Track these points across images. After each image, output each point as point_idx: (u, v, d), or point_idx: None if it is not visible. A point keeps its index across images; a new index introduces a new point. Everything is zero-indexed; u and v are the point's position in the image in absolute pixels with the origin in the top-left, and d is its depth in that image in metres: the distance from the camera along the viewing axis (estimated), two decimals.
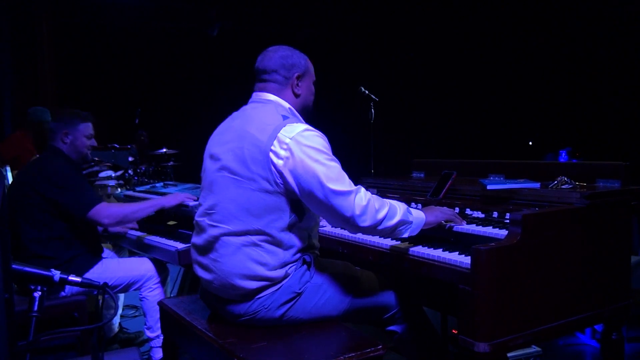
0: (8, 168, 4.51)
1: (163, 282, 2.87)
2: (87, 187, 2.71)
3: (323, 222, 2.39)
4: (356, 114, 4.76)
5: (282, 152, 1.71)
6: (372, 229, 1.77)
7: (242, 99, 2.02)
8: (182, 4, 8.06)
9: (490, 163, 2.60)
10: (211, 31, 7.99)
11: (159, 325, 2.37)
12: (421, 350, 2.04)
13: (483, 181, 2.23)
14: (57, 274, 1.46)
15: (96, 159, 4.79)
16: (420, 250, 1.92)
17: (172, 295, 3.30)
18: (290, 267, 1.81)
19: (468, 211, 2.18)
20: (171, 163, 5.37)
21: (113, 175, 4.80)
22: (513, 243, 1.69)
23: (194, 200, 2.81)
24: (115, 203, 3.42)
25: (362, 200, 1.72)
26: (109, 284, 2.21)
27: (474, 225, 1.99)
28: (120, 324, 3.35)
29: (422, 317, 2.06)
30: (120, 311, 3.39)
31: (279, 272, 1.78)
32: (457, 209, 2.18)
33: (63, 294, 2.54)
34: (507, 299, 1.69)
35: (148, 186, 3.88)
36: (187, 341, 1.95)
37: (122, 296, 3.35)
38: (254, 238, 1.76)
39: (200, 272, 1.90)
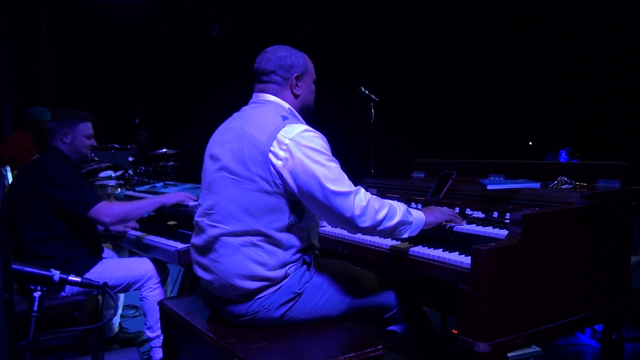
0: (8, 168, 4.51)
1: (163, 282, 2.87)
2: (87, 186, 2.71)
3: (323, 222, 2.38)
4: (356, 114, 4.76)
5: (282, 153, 1.71)
6: (372, 230, 1.77)
7: (242, 99, 2.02)
8: (182, 4, 8.06)
9: (490, 163, 2.60)
10: (211, 31, 7.99)
11: (159, 325, 2.37)
12: (421, 350, 2.04)
13: (483, 181, 2.23)
14: (56, 274, 1.46)
15: (96, 158, 4.79)
16: (420, 250, 1.92)
17: (172, 295, 3.30)
18: (290, 267, 1.81)
19: (468, 211, 2.18)
20: (171, 163, 5.37)
21: (113, 175, 4.80)
22: (513, 243, 1.69)
23: (194, 201, 2.82)
24: (116, 202, 3.42)
25: (362, 201, 1.72)
26: (109, 284, 2.21)
27: (474, 225, 1.99)
28: (120, 324, 3.36)
29: (422, 317, 2.06)
30: (120, 311, 3.39)
31: (279, 272, 1.78)
32: (457, 209, 2.18)
33: (63, 294, 2.54)
34: (507, 299, 1.69)
35: (148, 186, 3.88)
36: (187, 341, 1.95)
37: (122, 296, 3.35)
38: (253, 238, 1.76)
39: (200, 273, 1.90)
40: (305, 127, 1.79)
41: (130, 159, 5.39)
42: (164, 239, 2.84)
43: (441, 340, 2.26)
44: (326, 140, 1.80)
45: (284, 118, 1.79)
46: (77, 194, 2.58)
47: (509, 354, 1.87)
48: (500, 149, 8.23)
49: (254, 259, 1.76)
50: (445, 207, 2.06)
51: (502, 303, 1.68)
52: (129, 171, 4.91)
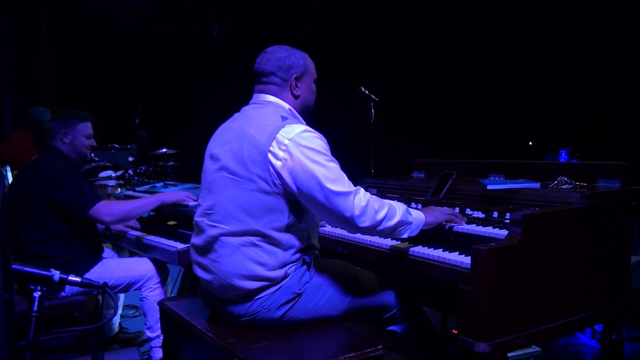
0: (8, 168, 4.51)
1: (163, 282, 2.87)
2: (87, 186, 2.71)
3: (323, 222, 2.39)
4: (356, 114, 4.76)
5: (281, 153, 1.71)
6: (372, 230, 1.77)
7: (242, 99, 2.02)
8: (182, 4, 8.06)
9: (490, 163, 2.60)
10: (211, 31, 8.00)
11: (159, 325, 2.37)
12: (421, 350, 2.04)
13: (483, 181, 2.23)
14: (56, 274, 1.46)
15: (96, 158, 4.79)
16: (420, 250, 1.92)
17: (172, 295, 3.30)
18: (290, 267, 1.81)
19: (468, 211, 2.18)
20: (171, 163, 5.37)
21: (113, 175, 4.80)
22: (513, 243, 1.69)
23: (194, 201, 2.81)
24: (116, 201, 3.42)
25: (362, 201, 1.72)
26: (109, 284, 2.22)
27: (474, 225, 1.99)
28: (120, 324, 3.36)
29: (422, 317, 2.06)
30: (120, 311, 3.39)
31: (279, 273, 1.78)
32: (457, 209, 2.18)
33: (63, 294, 2.54)
34: (507, 299, 1.69)
35: (148, 186, 3.88)
36: (187, 341, 1.95)
37: (122, 296, 3.35)
38: (253, 238, 1.76)
39: (200, 273, 1.89)
40: (305, 127, 1.79)
41: (130, 159, 5.40)
42: (164, 239, 2.84)
43: (441, 340, 2.26)
44: (325, 141, 1.79)
45: (284, 118, 1.79)
46: (77, 193, 2.58)
47: (509, 354, 1.87)
48: (500, 149, 8.23)
49: (253, 259, 1.76)
50: (445, 207, 2.06)
51: (502, 303, 1.68)
52: (129, 171, 4.90)
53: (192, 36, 8.25)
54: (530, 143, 8.28)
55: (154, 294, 2.79)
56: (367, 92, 3.55)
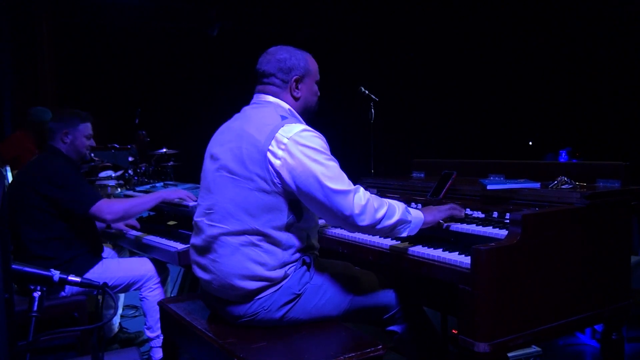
0: (8, 168, 4.50)
1: (163, 282, 2.87)
2: (87, 185, 2.71)
3: (322, 222, 2.38)
4: (356, 114, 4.76)
5: (280, 152, 1.71)
6: (371, 228, 1.77)
7: (242, 99, 2.02)
8: (182, 4, 8.05)
9: (490, 163, 2.60)
10: (211, 31, 7.99)
11: (159, 325, 2.37)
12: (421, 350, 2.04)
13: (483, 181, 2.23)
14: (56, 274, 1.46)
15: (96, 158, 4.79)
16: (420, 250, 1.92)
17: (172, 296, 3.30)
18: (290, 267, 1.81)
19: (468, 211, 2.18)
20: (171, 163, 5.36)
21: (113, 175, 4.80)
22: (513, 243, 1.69)
23: (194, 201, 2.82)
24: (116, 199, 3.42)
25: (361, 200, 1.72)
26: (109, 284, 2.22)
27: (474, 225, 1.99)
28: (120, 324, 3.36)
29: (422, 317, 2.06)
30: (120, 311, 3.39)
31: (278, 273, 1.78)
32: None
33: (63, 294, 2.54)
34: (507, 299, 1.69)
35: (148, 186, 3.88)
36: (187, 341, 1.95)
37: (122, 296, 3.35)
38: (252, 238, 1.76)
39: (200, 273, 1.89)
40: (304, 126, 1.79)
41: (130, 159, 5.39)
42: (163, 239, 2.84)
43: (441, 340, 2.26)
44: (325, 140, 1.80)
45: (283, 118, 1.79)
46: (78, 193, 2.58)
47: (509, 354, 1.87)
48: (500, 149, 8.23)
49: (253, 259, 1.76)
50: (443, 205, 2.06)
51: (502, 303, 1.68)
52: (129, 171, 4.90)
53: (192, 36, 8.24)
54: (530, 143, 8.28)
55: (154, 294, 2.79)
56: (367, 92, 3.55)
